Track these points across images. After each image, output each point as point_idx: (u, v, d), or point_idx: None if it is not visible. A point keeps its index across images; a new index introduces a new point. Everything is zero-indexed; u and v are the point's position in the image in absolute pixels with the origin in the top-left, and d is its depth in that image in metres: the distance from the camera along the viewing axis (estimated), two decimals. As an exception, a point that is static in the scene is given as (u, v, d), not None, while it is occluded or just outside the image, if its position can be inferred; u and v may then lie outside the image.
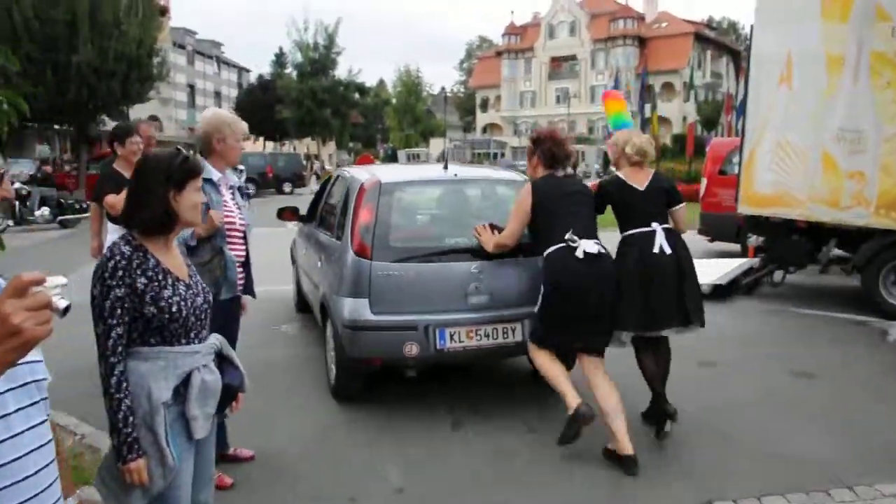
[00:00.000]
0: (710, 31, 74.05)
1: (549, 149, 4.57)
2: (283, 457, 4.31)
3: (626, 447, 4.07)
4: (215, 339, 2.52)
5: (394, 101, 75.40)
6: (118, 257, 2.30)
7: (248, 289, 4.11)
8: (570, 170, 5.05)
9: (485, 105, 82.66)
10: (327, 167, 55.16)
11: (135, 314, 2.30)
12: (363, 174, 5.48)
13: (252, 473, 4.08)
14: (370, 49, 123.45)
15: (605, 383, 4.21)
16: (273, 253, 13.80)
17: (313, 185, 36.02)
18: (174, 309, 2.33)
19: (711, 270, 9.56)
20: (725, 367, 6.16)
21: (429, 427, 4.74)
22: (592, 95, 68.56)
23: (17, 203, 16.11)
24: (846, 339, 7.16)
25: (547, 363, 4.33)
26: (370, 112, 74.95)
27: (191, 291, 2.43)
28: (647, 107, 33.77)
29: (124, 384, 2.25)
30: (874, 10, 8.06)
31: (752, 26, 8.79)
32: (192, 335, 2.40)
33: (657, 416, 4.55)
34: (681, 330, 4.52)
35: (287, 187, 33.78)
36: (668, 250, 4.39)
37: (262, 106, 51.37)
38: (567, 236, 4.22)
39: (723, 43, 72.80)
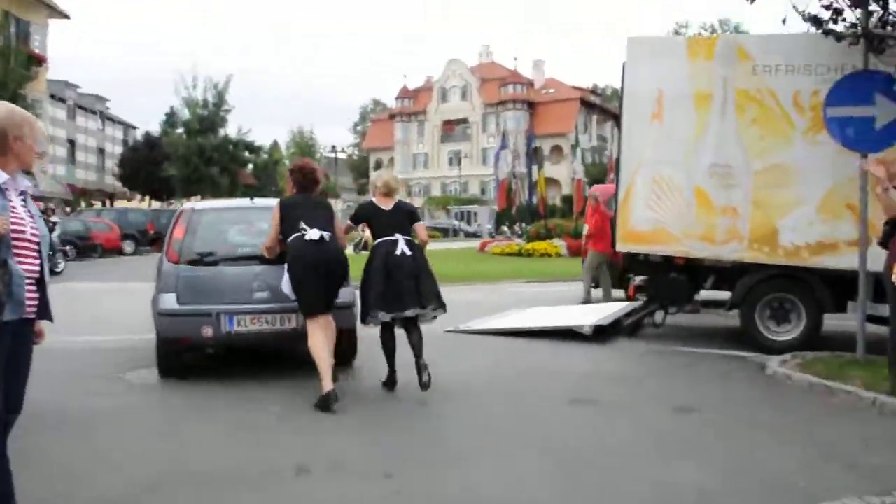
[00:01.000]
0: (596, 97, 77.21)
1: (298, 177, 6.19)
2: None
3: (328, 385, 5.40)
4: None
5: (286, 161, 74.65)
6: None
7: (44, 311, 3.42)
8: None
9: (378, 166, 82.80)
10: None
11: None
12: (188, 204, 7.11)
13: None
14: (263, 111, 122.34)
15: (323, 336, 5.65)
16: (140, 304, 12.99)
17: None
18: None
19: (592, 313, 9.40)
20: (606, 405, 5.82)
21: (267, 476, 4.14)
22: (484, 157, 69.85)
23: None
24: (727, 374, 7.01)
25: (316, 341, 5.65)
26: (262, 172, 73.89)
27: None
28: (535, 168, 34.37)
29: None
30: (736, 50, 8.26)
31: (623, 64, 8.82)
32: None
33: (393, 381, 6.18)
34: (421, 312, 6.02)
35: (169, 244, 32.33)
36: (407, 252, 5.97)
37: (148, 163, 49.75)
38: (300, 226, 5.72)
39: (607, 108, 75.91)
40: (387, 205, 6.22)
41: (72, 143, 52.55)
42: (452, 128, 77.49)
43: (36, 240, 3.34)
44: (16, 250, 3.21)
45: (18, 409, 3.37)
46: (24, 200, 3.38)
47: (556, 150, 69.01)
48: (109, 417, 5.32)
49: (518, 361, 7.54)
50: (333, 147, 61.87)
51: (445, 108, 77.30)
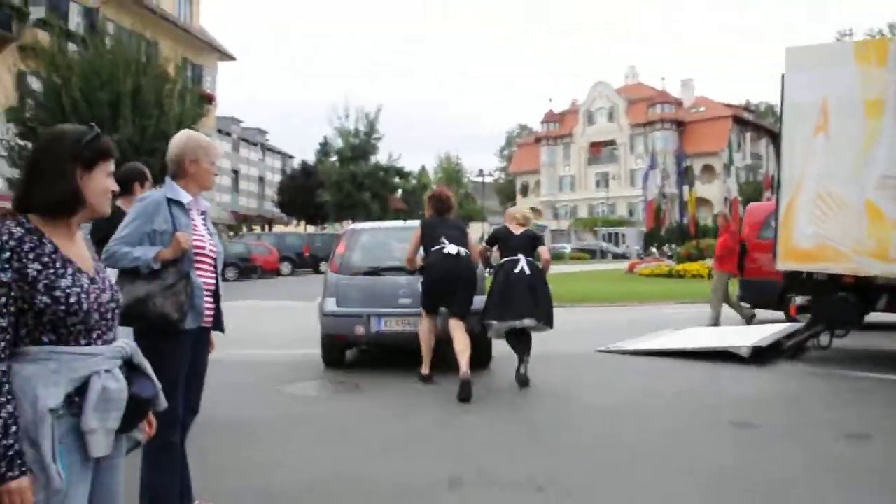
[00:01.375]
0: (749, 113, 74.03)
1: (435, 202, 7.20)
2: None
3: (466, 375, 6.27)
4: (124, 344, 2.11)
5: (434, 186, 76.27)
6: (5, 237, 1.92)
7: (218, 323, 3.68)
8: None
9: (525, 190, 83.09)
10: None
11: (23, 306, 1.91)
12: (351, 226, 8.60)
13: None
14: (410, 139, 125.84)
15: (460, 334, 6.62)
16: (298, 322, 13.63)
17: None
18: (72, 300, 1.95)
19: (752, 333, 8.94)
20: (767, 428, 5.50)
21: (421, 489, 4.22)
22: (632, 178, 68.49)
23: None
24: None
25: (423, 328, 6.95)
26: (411, 197, 75.81)
27: (95, 286, 2.04)
28: (685, 188, 33.33)
29: (6, 387, 1.84)
30: (913, 54, 7.69)
31: (783, 76, 8.41)
32: (95, 336, 2.01)
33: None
34: (532, 324, 6.92)
35: (323, 266, 33.79)
36: (527, 271, 6.95)
37: (304, 190, 52.33)
38: (441, 240, 6.81)
39: (761, 125, 72.54)
40: (517, 231, 7.24)
41: (235, 173, 56.23)
42: (599, 150, 76.60)
43: (213, 255, 3.60)
44: (196, 265, 3.48)
45: (197, 409, 3.64)
46: (204, 219, 3.66)
47: (707, 169, 66.62)
48: (273, 425, 5.61)
49: (672, 382, 7.27)
50: (481, 171, 62.45)
51: (592, 131, 76.57)
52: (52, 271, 1.95)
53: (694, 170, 63.25)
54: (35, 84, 23.09)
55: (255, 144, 60.87)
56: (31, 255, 1.93)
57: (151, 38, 25.35)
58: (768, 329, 9.16)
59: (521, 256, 6.97)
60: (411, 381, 7.11)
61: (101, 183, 2.08)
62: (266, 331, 11.54)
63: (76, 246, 2.09)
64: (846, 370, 7.71)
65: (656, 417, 5.83)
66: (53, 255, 1.97)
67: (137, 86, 22.16)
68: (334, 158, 51.58)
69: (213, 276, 3.62)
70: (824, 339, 8.43)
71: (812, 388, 7.08)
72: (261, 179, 61.93)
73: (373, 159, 50.68)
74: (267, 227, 57.92)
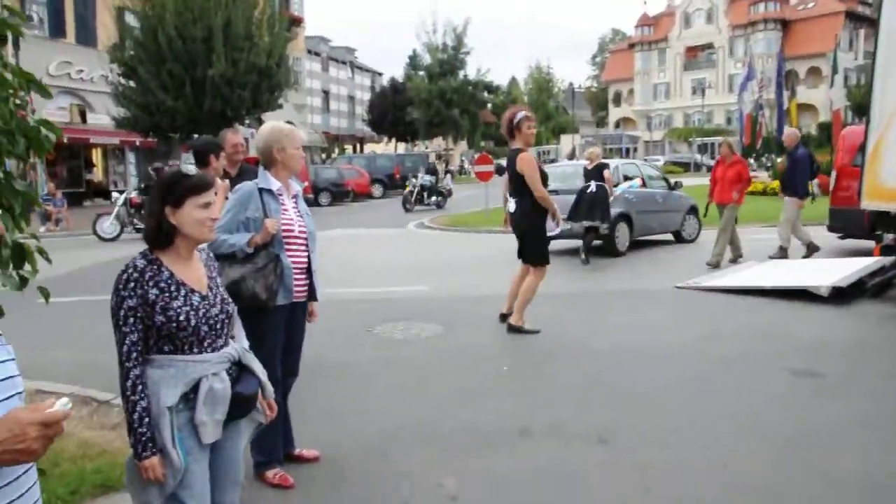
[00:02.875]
0: (865, 6, 68.98)
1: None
2: (347, 460, 4.33)
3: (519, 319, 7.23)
4: (232, 350, 2.58)
5: (525, 98, 75.11)
6: (131, 270, 2.44)
7: (312, 294, 4.15)
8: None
9: (618, 99, 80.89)
10: (451, 167, 55.78)
11: (147, 323, 2.42)
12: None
13: (315, 474, 4.13)
14: (500, 49, 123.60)
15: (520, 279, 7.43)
16: (387, 253, 14.19)
17: (449, 184, 36.42)
18: (181, 318, 2.43)
19: (834, 270, 8.88)
20: (830, 379, 5.65)
21: (492, 437, 4.64)
22: (730, 85, 65.51)
23: (132, 210, 17.45)
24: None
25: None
26: (502, 111, 75.02)
27: (205, 302, 2.51)
28: (786, 95, 31.81)
29: (139, 387, 2.38)
30: None
31: (876, 8, 8.05)
32: (206, 344, 2.49)
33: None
34: (594, 224, 11.43)
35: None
36: (594, 189, 11.49)
37: (394, 108, 52.68)
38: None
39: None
40: (590, 165, 11.90)
41: (325, 93, 56.87)
42: (696, 55, 73.41)
43: (304, 236, 4.04)
44: (287, 246, 3.92)
45: (296, 372, 4.20)
46: (295, 203, 4.07)
47: (814, 72, 63.04)
48: (361, 370, 6.15)
49: (744, 325, 7.41)
50: (570, 84, 61.21)
51: (688, 34, 73.27)
52: (167, 294, 2.44)
53: (798, 74, 60.06)
54: (132, 21, 23.95)
55: (344, 63, 61.18)
56: (150, 283, 2.43)
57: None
58: (852, 265, 9.06)
59: (592, 182, 11.62)
60: (490, 326, 7.53)
61: (191, 216, 2.48)
62: (358, 264, 12.11)
63: (191, 269, 2.55)
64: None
65: (720, 365, 6.04)
66: (169, 281, 2.46)
67: (228, 19, 22.68)
68: (423, 74, 51.51)
69: (305, 253, 4.05)
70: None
71: (888, 334, 7.09)
72: (350, 98, 62.49)
73: (461, 74, 50.37)
74: (358, 147, 58.81)
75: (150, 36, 22.49)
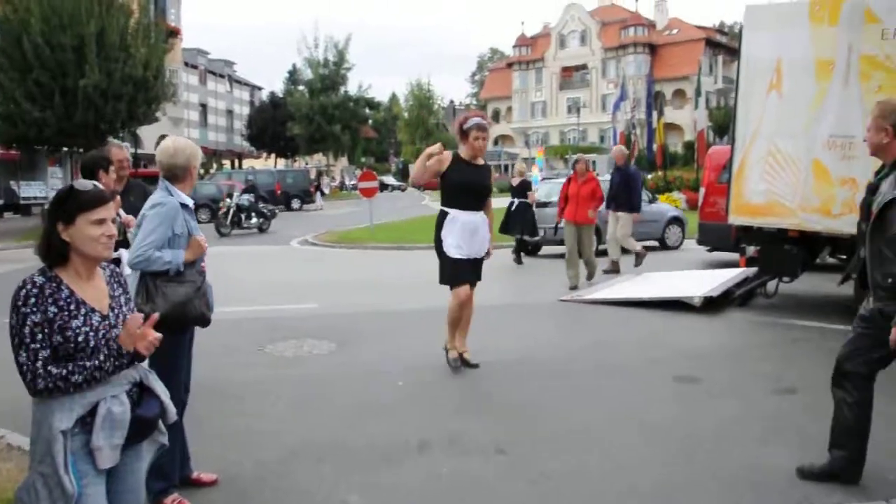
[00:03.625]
0: (722, 35, 73.71)
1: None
2: (248, 481, 4.24)
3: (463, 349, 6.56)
4: (134, 371, 2.50)
5: (405, 115, 75.67)
6: (30, 286, 2.35)
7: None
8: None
9: (496, 116, 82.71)
10: (334, 184, 55.47)
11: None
12: None
13: (215, 498, 4.02)
14: (381, 64, 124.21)
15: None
16: (271, 271, 13.94)
17: (319, 202, 36.16)
18: (80, 339, 2.36)
19: (705, 281, 9.46)
20: (708, 384, 6.01)
21: (393, 452, 4.67)
22: (603, 104, 68.43)
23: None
24: (834, 350, 6.98)
25: None
26: (382, 127, 75.28)
27: (105, 322, 2.44)
28: (655, 115, 33.61)
29: (74, 377, 2.30)
30: (863, 13, 7.97)
31: (740, 32, 8.70)
32: None
33: None
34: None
35: (295, 203, 33.93)
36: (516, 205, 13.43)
37: (273, 123, 51.87)
38: None
39: (734, 48, 72.31)
40: (515, 182, 13.74)
41: (203, 106, 55.36)
42: (571, 74, 76.19)
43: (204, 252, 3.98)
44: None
45: (188, 388, 4.09)
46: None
47: (679, 93, 66.70)
48: (256, 388, 6.01)
49: (625, 335, 7.77)
50: (451, 101, 62.17)
51: (564, 55, 76.00)
52: (66, 313, 2.35)
53: (665, 95, 63.36)
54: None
55: (222, 76, 59.79)
56: (49, 300, 2.34)
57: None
58: (721, 276, 9.68)
59: (515, 199, 13.50)
60: (383, 342, 7.54)
61: (84, 232, 2.40)
62: (244, 282, 11.85)
63: (92, 287, 2.47)
64: (790, 318, 8.27)
65: (606, 374, 6.32)
66: (68, 299, 2.37)
67: (101, 27, 21.70)
68: (303, 89, 51.07)
69: (204, 271, 4.00)
70: (771, 287, 8.97)
71: (756, 339, 7.63)
72: (229, 112, 61.08)
73: (342, 90, 50.26)
74: (237, 162, 57.53)
75: (14, 42, 21.17)
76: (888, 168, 3.83)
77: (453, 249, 6.14)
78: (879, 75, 7.88)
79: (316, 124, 48.15)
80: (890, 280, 3.64)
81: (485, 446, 4.69)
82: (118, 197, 4.91)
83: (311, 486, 4.17)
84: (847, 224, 7.89)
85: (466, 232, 6.15)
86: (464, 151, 6.31)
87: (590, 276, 10.97)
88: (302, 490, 4.12)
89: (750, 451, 4.53)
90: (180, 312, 3.54)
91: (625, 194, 11.46)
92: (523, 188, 13.74)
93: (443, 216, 6.25)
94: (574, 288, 10.36)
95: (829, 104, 8.10)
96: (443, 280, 6.31)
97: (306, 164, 58.40)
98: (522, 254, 13.91)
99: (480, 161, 6.37)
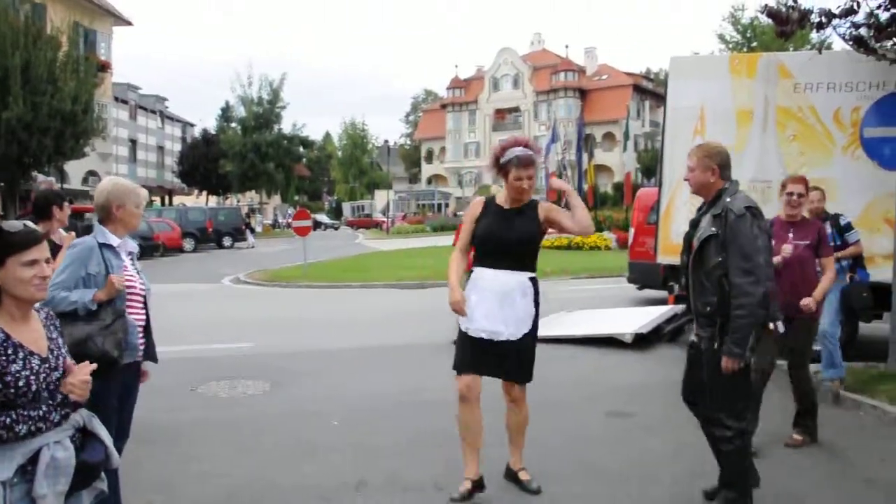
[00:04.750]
0: (649, 82, 76.35)
1: None
2: (181, 527, 4.17)
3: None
4: (77, 416, 2.45)
5: (339, 153, 75.69)
6: None
7: (150, 354, 4.00)
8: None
9: (430, 156, 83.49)
10: (266, 222, 54.89)
11: None
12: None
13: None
14: (315, 104, 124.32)
15: None
16: (202, 309, 13.69)
17: (251, 240, 35.73)
18: (21, 383, 2.28)
19: (635, 318, 9.72)
20: (640, 418, 6.18)
21: (331, 492, 4.64)
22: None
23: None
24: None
25: None
26: (316, 165, 75.04)
27: (46, 366, 2.37)
28: (585, 157, 34.48)
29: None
30: (777, 69, 8.46)
31: (666, 82, 9.10)
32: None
33: None
34: None
35: (227, 241, 33.45)
36: None
37: (205, 160, 51.11)
38: None
39: (660, 94, 74.99)
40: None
41: (133, 142, 54.26)
42: (504, 116, 77.58)
43: (143, 293, 3.91)
44: (128, 303, 3.78)
45: (127, 434, 3.98)
46: (132, 259, 3.95)
47: (609, 136, 68.59)
48: (191, 431, 5.91)
49: (560, 371, 7.83)
50: (386, 141, 62.51)
51: (497, 97, 77.36)
52: (4, 357, 2.27)
53: (595, 137, 65.10)
54: None
55: (153, 112, 58.76)
56: None
57: (39, 1, 24.26)
58: (651, 313, 9.96)
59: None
60: (317, 381, 7.50)
61: (15, 274, 2.34)
62: (174, 321, 11.58)
63: (29, 329, 2.40)
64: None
65: (544, 410, 6.36)
66: (5, 343, 2.29)
67: (27, 59, 21.21)
68: (235, 125, 50.67)
69: (144, 311, 3.92)
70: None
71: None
72: (160, 148, 59.89)
73: (276, 128, 50.02)
74: (168, 199, 56.44)
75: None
76: (707, 205, 4.09)
77: (469, 317, 4.41)
78: (793, 125, 8.37)
79: (249, 162, 47.67)
80: (708, 308, 3.94)
81: (423, 483, 4.73)
82: (73, 232, 4.87)
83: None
84: (768, 264, 8.28)
85: (493, 297, 4.37)
86: (501, 195, 4.65)
87: None
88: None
89: (682, 482, 4.67)
90: (80, 350, 3.44)
91: None
92: None
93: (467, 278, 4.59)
94: None
95: (750, 151, 8.52)
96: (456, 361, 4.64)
97: (238, 201, 57.66)
98: None
99: (523, 202, 4.52)
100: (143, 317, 3.90)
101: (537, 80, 73.95)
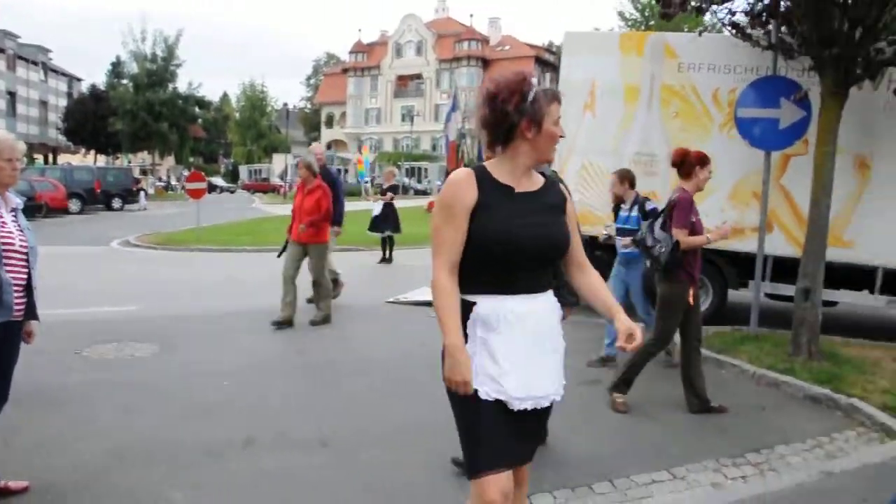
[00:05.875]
0: (550, 55, 77.53)
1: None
2: (67, 485, 4.13)
3: None
4: None
5: (237, 115, 73.72)
6: None
7: (31, 312, 3.91)
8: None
9: (330, 121, 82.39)
10: (159, 184, 53.08)
11: None
12: None
13: (27, 505, 3.91)
14: (213, 64, 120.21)
15: None
16: (89, 272, 13.26)
17: (143, 203, 34.54)
18: None
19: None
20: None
21: (218, 449, 4.71)
22: (437, 113, 69.96)
23: None
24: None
25: None
26: (212, 127, 72.90)
27: None
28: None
29: None
30: (663, 48, 8.87)
31: (559, 57, 9.38)
32: None
33: None
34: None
35: (117, 203, 32.23)
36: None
37: (94, 117, 48.88)
38: None
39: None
40: (386, 185, 13.67)
41: (12, 95, 51.21)
42: (406, 83, 77.24)
43: (24, 251, 3.82)
44: (5, 261, 3.69)
45: (6, 397, 3.91)
46: (14, 216, 3.85)
47: (510, 108, 69.34)
48: (76, 392, 5.81)
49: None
50: (285, 104, 61.23)
51: (399, 64, 76.90)
52: None
53: (495, 109, 65.66)
54: None
55: (35, 63, 55.47)
56: None
57: None
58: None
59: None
60: (207, 343, 7.47)
61: None
62: (60, 284, 11.20)
63: None
64: (599, 318, 8.93)
65: (427, 370, 6.60)
66: None
67: None
68: (127, 82, 48.59)
69: (25, 269, 3.82)
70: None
71: (567, 337, 8.18)
72: (43, 103, 56.73)
73: (171, 87, 48.25)
74: (52, 157, 53.70)
75: None
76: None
77: (489, 381, 2.58)
78: (677, 102, 8.83)
79: (141, 121, 45.89)
80: None
81: (309, 441, 4.85)
82: None
83: (134, 488, 4.14)
84: (648, 234, 8.74)
85: (529, 341, 2.61)
86: (508, 159, 2.63)
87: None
88: (124, 492, 4.08)
89: (556, 436, 4.95)
90: None
91: None
92: (394, 189, 15.29)
93: (465, 314, 2.60)
94: (322, 322, 8.54)
95: (636, 125, 8.95)
96: (466, 457, 2.74)
97: (129, 162, 55.42)
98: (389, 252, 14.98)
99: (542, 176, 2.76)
100: (23, 275, 3.81)
101: (440, 48, 73.91)
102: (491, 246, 2.51)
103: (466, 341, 2.55)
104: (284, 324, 8.21)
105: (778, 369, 6.62)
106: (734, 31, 7.91)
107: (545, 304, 2.66)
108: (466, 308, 2.57)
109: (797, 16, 7.01)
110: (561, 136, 2.62)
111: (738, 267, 8.76)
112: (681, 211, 5.50)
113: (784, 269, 8.36)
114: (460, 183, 2.55)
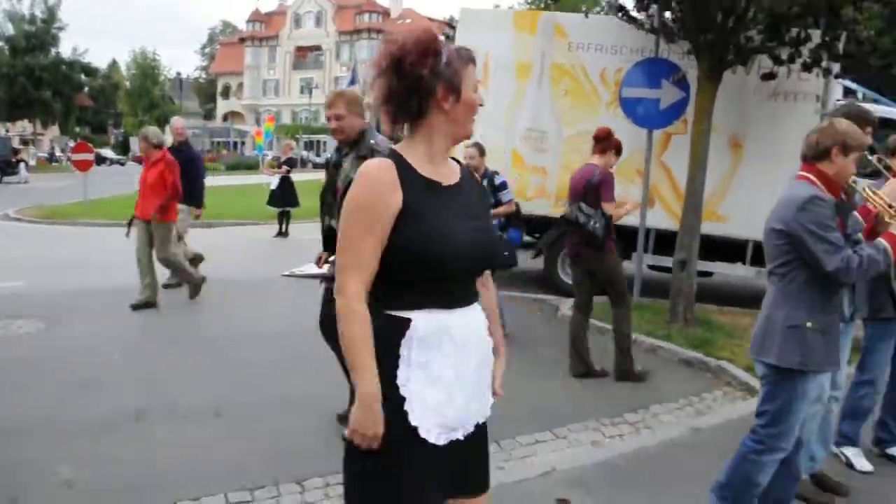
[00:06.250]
0: (451, 29, 77.39)
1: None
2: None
3: None
4: None
5: (127, 84, 70.67)
6: None
7: None
8: None
9: (226, 92, 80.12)
10: (41, 155, 50.46)
11: None
12: None
13: None
14: (99, 28, 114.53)
15: None
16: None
17: (24, 174, 32.76)
18: None
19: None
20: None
21: (108, 422, 4.68)
22: (336, 86, 69.06)
23: None
24: (531, 314, 8.08)
25: None
26: (100, 95, 69.72)
27: None
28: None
29: None
30: (554, 27, 9.15)
31: (454, 31, 9.53)
32: None
33: None
34: None
35: (-6, 176, 30.55)
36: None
37: (-34, 82, 45.85)
38: None
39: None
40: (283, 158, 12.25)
41: None
42: (305, 55, 75.88)
43: None
44: None
45: None
46: None
47: (409, 81, 69.21)
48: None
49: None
50: (178, 73, 59.07)
51: (298, 35, 75.44)
52: None
53: (396, 82, 65.46)
54: None
55: None
56: None
57: None
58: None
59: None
60: (95, 319, 7.32)
61: None
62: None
63: None
64: (499, 290, 9.23)
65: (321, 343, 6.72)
66: None
67: None
68: (2, 44, 45.79)
69: None
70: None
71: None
72: None
73: (53, 52, 45.77)
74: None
75: None
76: (348, 148, 4.35)
77: (431, 415, 2.06)
78: (566, 81, 9.13)
79: (20, 86, 43.37)
80: None
81: (202, 411, 4.89)
82: None
83: (20, 461, 4.10)
84: (539, 206, 9.06)
85: (471, 361, 2.15)
86: (422, 138, 2.10)
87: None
88: (10, 467, 4.03)
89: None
90: None
91: (183, 181, 8.23)
92: (291, 163, 15.08)
93: (395, 332, 2.03)
94: (145, 305, 7.91)
95: (527, 102, 9.21)
96: None
97: (7, 131, 52.35)
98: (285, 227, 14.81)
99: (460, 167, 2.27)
100: None
101: (340, 20, 72.91)
102: (425, 257, 1.98)
103: (387, 366, 2.00)
104: (143, 306, 7.78)
105: (656, 335, 7.05)
106: (620, 14, 8.25)
107: (477, 314, 2.19)
108: (397, 327, 2.02)
109: (677, 1, 7.39)
110: (480, 105, 2.17)
111: (623, 241, 9.18)
112: (607, 187, 5.86)
113: (665, 241, 8.84)
114: (383, 181, 2.00)
